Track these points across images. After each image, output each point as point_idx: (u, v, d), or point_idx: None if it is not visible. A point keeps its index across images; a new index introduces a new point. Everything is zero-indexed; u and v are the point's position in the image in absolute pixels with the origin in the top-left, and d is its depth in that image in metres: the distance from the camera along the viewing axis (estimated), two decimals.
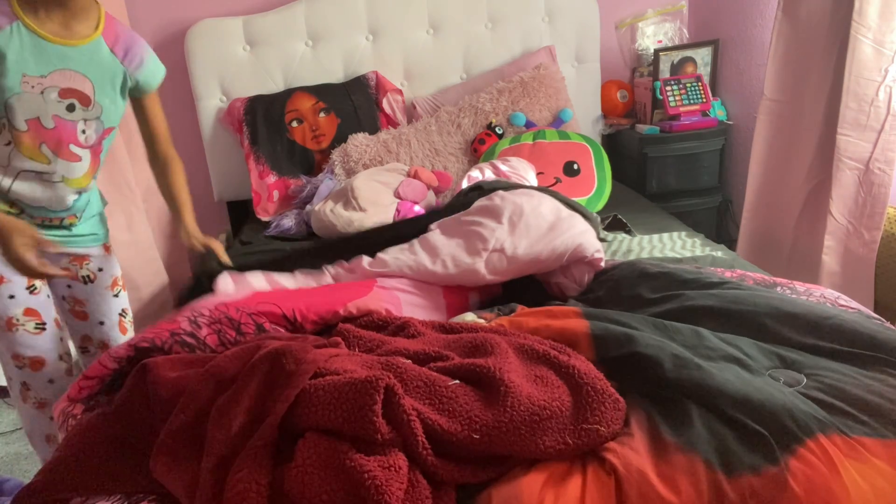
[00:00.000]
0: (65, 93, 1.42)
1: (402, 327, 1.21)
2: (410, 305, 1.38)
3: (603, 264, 1.49)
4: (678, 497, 0.81)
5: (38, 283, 1.53)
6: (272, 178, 2.48)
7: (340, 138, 2.49)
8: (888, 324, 1.19)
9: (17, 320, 1.50)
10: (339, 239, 1.83)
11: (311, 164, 2.52)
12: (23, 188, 1.44)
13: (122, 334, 1.72)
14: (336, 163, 2.41)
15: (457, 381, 0.95)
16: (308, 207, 2.29)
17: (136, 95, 1.58)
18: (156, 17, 2.57)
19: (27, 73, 1.36)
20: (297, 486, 0.82)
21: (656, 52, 2.68)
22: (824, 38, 2.02)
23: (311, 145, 2.51)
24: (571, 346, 1.09)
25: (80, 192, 1.55)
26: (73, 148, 1.47)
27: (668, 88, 2.55)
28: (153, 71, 1.58)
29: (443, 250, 1.44)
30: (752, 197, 2.36)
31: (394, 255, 1.47)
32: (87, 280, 1.64)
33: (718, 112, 2.67)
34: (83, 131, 1.48)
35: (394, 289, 1.40)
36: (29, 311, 1.51)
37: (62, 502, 0.97)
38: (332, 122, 2.52)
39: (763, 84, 2.23)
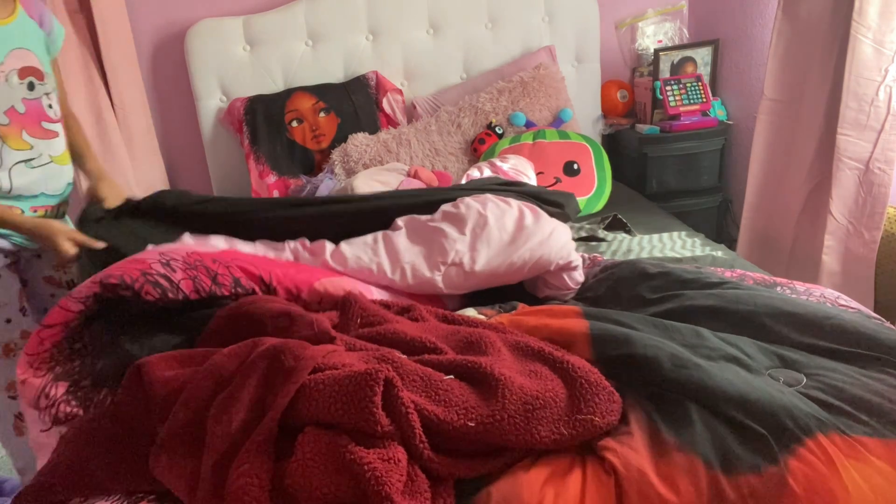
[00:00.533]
0: (22, 73, 1.40)
1: (407, 309, 1.22)
2: (380, 295, 1.38)
3: (577, 263, 1.45)
4: (678, 496, 0.81)
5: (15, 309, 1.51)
6: (272, 178, 2.48)
7: (340, 138, 2.49)
8: (888, 324, 1.19)
9: (15, 345, 1.48)
10: (300, 200, 1.75)
11: (311, 163, 2.52)
12: (21, 181, 1.43)
13: None
14: (336, 163, 2.41)
15: (451, 377, 0.96)
16: None
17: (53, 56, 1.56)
18: (156, 17, 2.57)
19: None
20: (297, 479, 0.82)
21: (656, 51, 2.68)
22: (824, 38, 2.02)
23: (311, 145, 2.51)
24: (569, 345, 1.09)
25: (67, 171, 1.54)
26: (46, 125, 1.46)
27: (668, 88, 2.55)
28: (60, 34, 1.57)
29: (404, 256, 1.42)
30: (752, 197, 2.36)
31: (355, 253, 1.43)
32: (72, 284, 1.62)
33: (718, 112, 2.67)
34: (49, 106, 1.47)
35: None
36: (24, 334, 1.50)
37: (62, 502, 0.97)
38: (332, 121, 2.52)
39: (763, 84, 2.23)
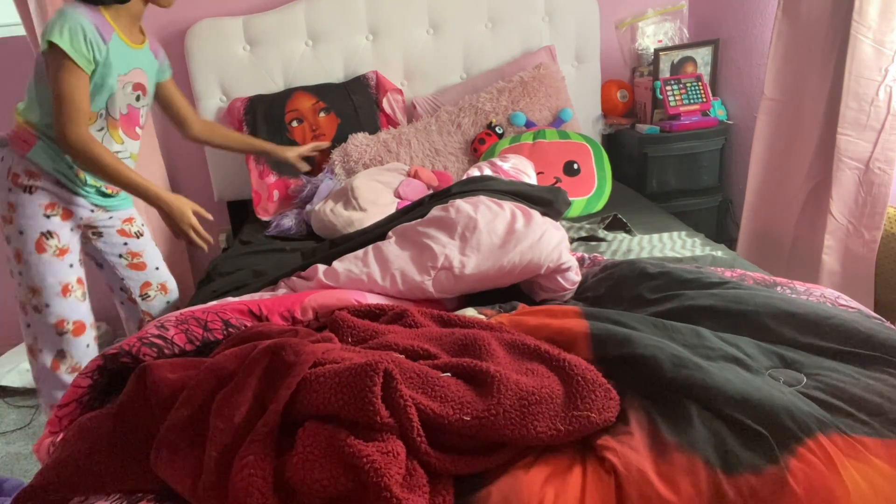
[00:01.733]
0: (136, 86, 1.79)
1: (400, 315, 1.22)
2: (376, 298, 1.38)
3: (570, 265, 1.44)
4: (678, 496, 0.81)
5: (76, 258, 1.79)
6: (272, 178, 2.48)
7: (340, 138, 2.49)
8: (888, 323, 1.19)
9: (72, 287, 1.77)
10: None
11: (311, 163, 2.52)
12: None
13: (170, 273, 2.10)
14: (336, 163, 2.41)
15: (448, 374, 0.97)
16: (308, 207, 2.29)
17: (159, 82, 1.95)
18: (156, 17, 2.57)
19: (120, 73, 1.70)
20: (298, 473, 0.83)
21: (656, 51, 2.68)
22: (824, 38, 2.02)
23: None
24: (570, 345, 1.09)
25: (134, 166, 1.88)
26: (138, 130, 1.85)
27: (668, 88, 2.55)
28: (168, 64, 1.98)
29: (394, 263, 1.42)
30: (752, 197, 2.36)
31: (346, 267, 1.44)
32: (139, 235, 1.99)
33: (718, 112, 2.67)
34: (143, 116, 1.86)
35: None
36: (80, 280, 1.80)
37: (62, 502, 0.97)
38: (332, 121, 2.53)
39: (763, 84, 2.23)
